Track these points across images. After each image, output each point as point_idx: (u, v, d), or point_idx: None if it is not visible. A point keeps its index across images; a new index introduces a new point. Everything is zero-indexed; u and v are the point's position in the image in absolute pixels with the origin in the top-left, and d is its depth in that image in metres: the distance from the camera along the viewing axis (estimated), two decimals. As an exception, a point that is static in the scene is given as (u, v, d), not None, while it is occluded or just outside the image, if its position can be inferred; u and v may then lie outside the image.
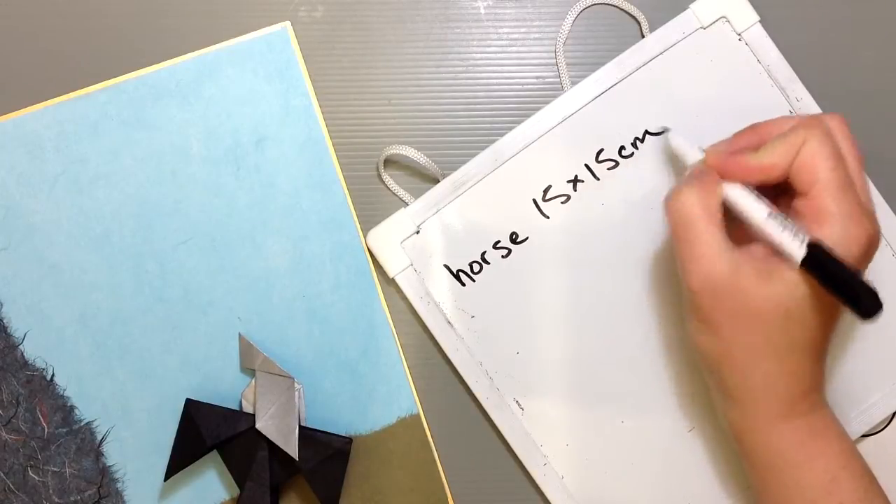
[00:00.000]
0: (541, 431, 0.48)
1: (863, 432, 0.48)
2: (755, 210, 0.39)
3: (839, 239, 0.37)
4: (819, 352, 0.39)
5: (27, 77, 0.49)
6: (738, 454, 0.42)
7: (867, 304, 0.32)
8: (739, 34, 0.48)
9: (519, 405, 0.48)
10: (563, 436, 0.48)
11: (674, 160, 0.47)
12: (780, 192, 0.41)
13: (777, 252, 0.38)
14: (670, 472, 0.47)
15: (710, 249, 0.38)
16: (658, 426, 0.47)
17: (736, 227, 0.40)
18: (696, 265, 0.38)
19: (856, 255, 0.37)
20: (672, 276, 0.47)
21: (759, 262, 0.38)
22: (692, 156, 0.43)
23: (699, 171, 0.41)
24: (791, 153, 0.39)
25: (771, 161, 0.39)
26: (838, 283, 0.34)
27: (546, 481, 0.48)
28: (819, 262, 0.36)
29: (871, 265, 0.46)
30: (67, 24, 0.50)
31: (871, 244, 0.38)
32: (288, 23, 0.50)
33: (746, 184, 0.40)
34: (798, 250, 0.36)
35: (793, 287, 0.37)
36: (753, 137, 0.42)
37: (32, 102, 0.49)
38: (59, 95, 0.49)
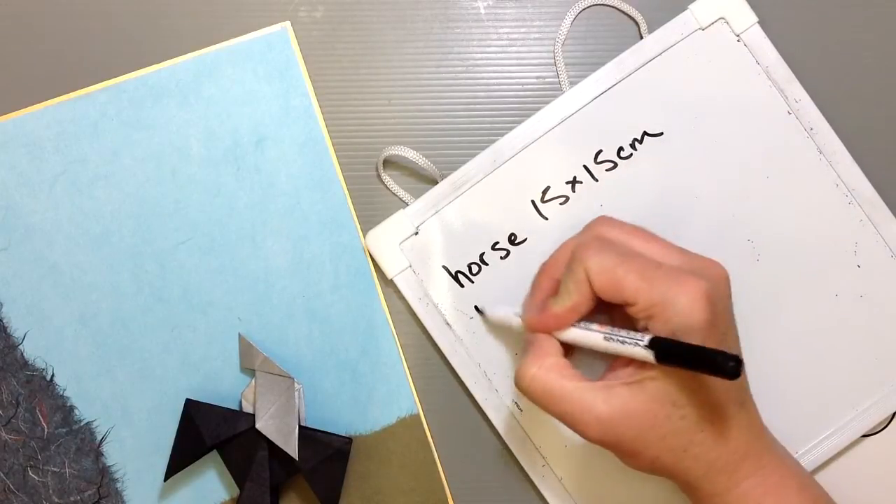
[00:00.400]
0: (539, 432, 0.48)
1: (863, 432, 0.48)
2: (593, 340, 0.39)
3: (680, 317, 0.37)
4: (732, 411, 0.39)
5: (27, 77, 0.49)
6: None
7: (726, 369, 0.32)
8: (738, 35, 0.48)
9: (518, 406, 0.48)
10: (561, 437, 0.48)
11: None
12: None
13: (631, 361, 0.39)
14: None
15: (577, 400, 0.38)
16: (657, 426, 0.48)
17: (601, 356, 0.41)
18: (579, 422, 0.38)
19: (701, 319, 0.37)
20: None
21: (627, 377, 0.38)
22: (515, 324, 0.44)
23: (528, 340, 0.42)
24: (583, 286, 0.39)
25: (572, 301, 0.40)
26: (693, 362, 0.34)
27: (545, 482, 0.48)
28: (668, 353, 0.36)
29: (868, 273, 0.47)
30: (67, 24, 0.50)
31: (710, 296, 0.37)
32: (288, 23, 0.50)
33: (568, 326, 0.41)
34: (645, 354, 0.37)
35: (664, 382, 0.37)
36: (547, 281, 0.43)
37: (32, 102, 0.49)
38: (59, 95, 0.49)
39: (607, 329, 0.39)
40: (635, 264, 0.38)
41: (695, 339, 0.36)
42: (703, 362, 0.34)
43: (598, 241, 0.40)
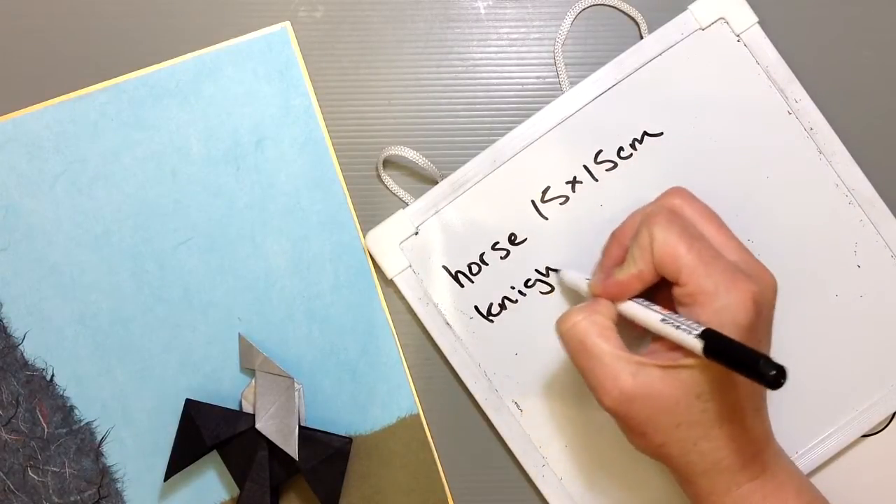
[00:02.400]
0: (539, 432, 0.48)
1: (863, 432, 0.48)
2: (650, 318, 0.40)
3: (724, 312, 0.37)
4: (747, 415, 0.39)
5: (27, 77, 0.49)
6: None
7: (768, 377, 0.32)
8: (738, 35, 0.48)
9: (518, 406, 0.48)
10: (561, 437, 0.48)
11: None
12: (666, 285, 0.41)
13: (674, 346, 0.39)
14: (669, 474, 0.47)
15: (609, 364, 0.38)
16: (657, 426, 0.48)
17: (644, 332, 0.41)
18: (601, 384, 0.39)
19: (745, 320, 0.37)
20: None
21: (662, 359, 0.38)
22: (583, 288, 0.44)
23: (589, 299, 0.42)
24: (647, 254, 0.39)
25: (636, 269, 0.40)
26: (738, 362, 0.35)
27: (545, 482, 0.48)
28: (717, 347, 0.36)
29: (868, 273, 0.47)
30: (67, 24, 0.50)
31: (758, 301, 0.37)
32: (288, 23, 0.50)
33: (631, 297, 0.41)
34: (695, 343, 0.37)
35: (697, 372, 0.37)
36: (617, 248, 0.43)
37: (32, 102, 0.49)
38: (59, 95, 0.49)
39: (666, 312, 0.39)
40: (697, 247, 0.38)
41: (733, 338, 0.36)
42: (746, 364, 0.33)
43: (669, 214, 0.40)
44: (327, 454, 0.47)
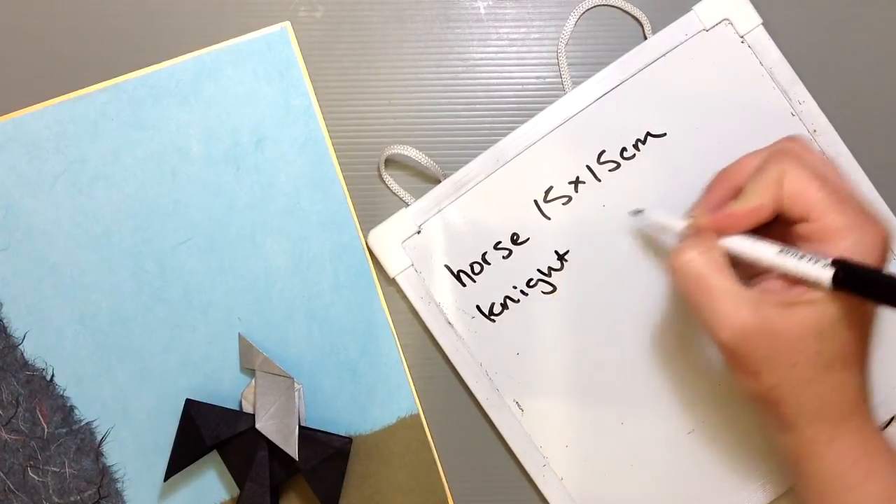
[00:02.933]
0: (540, 432, 0.48)
1: (863, 434, 0.47)
2: (765, 252, 0.39)
3: (857, 249, 0.37)
4: (859, 363, 0.39)
5: (27, 77, 0.49)
6: (794, 479, 0.42)
7: None
8: (742, 36, 0.48)
9: (519, 406, 0.48)
10: (562, 437, 0.48)
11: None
12: (763, 227, 0.41)
13: (794, 282, 0.38)
14: (670, 474, 0.47)
15: (728, 299, 0.38)
16: (658, 428, 0.48)
17: (743, 273, 0.40)
18: (718, 319, 0.38)
19: (876, 259, 0.37)
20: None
21: (779, 295, 0.38)
22: (677, 225, 0.43)
23: (694, 233, 0.41)
24: (773, 189, 0.39)
25: (758, 202, 0.39)
26: (876, 290, 0.34)
27: (545, 482, 0.48)
28: (849, 277, 0.36)
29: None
30: (67, 24, 0.50)
31: (886, 244, 0.38)
32: (288, 23, 0.50)
33: (742, 232, 0.40)
34: (824, 273, 0.36)
35: (819, 309, 0.37)
36: (726, 185, 0.42)
37: (32, 102, 0.49)
38: (59, 95, 0.49)
39: (782, 245, 0.39)
40: (831, 185, 0.38)
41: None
42: (885, 291, 0.33)
43: (799, 154, 0.39)
44: (327, 454, 0.47)
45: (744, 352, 0.38)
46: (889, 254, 0.38)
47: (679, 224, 0.43)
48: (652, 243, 0.48)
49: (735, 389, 0.42)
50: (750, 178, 0.40)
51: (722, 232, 0.40)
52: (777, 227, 0.40)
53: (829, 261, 0.36)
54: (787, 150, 0.40)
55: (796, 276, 0.38)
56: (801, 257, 0.37)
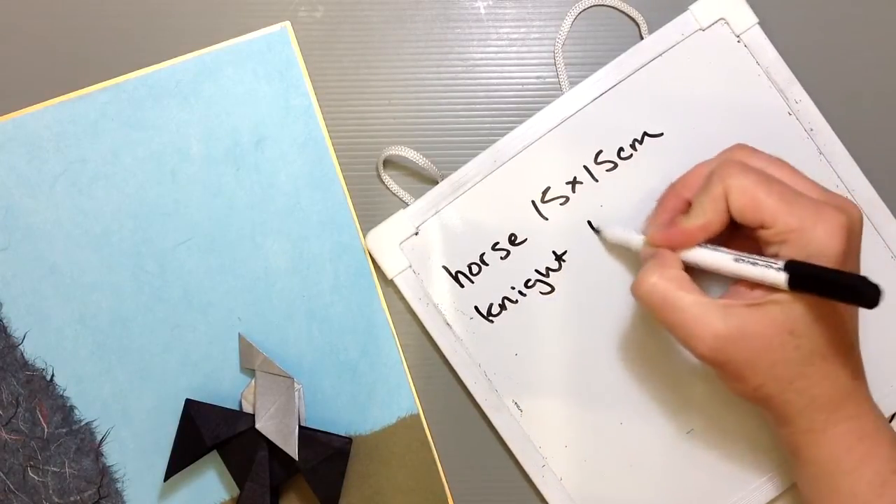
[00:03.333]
0: (539, 433, 0.48)
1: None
2: (722, 261, 0.40)
3: (815, 244, 0.37)
4: (841, 352, 0.39)
5: (27, 77, 0.49)
6: (791, 465, 0.42)
7: (865, 295, 0.32)
8: (738, 36, 0.48)
9: (518, 406, 0.48)
10: (561, 437, 0.48)
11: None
12: (734, 229, 0.41)
13: (756, 285, 0.39)
14: (669, 474, 0.48)
15: (696, 313, 0.39)
16: (657, 428, 0.48)
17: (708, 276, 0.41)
18: (692, 335, 0.39)
19: (834, 250, 0.37)
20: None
21: (747, 298, 0.39)
22: (635, 241, 0.44)
23: (651, 253, 0.42)
24: (718, 203, 0.39)
25: (705, 219, 0.40)
26: (829, 288, 0.34)
27: (545, 482, 0.48)
28: (803, 277, 0.36)
29: (868, 273, 0.46)
30: (67, 24, 0.50)
31: (848, 228, 0.38)
32: (288, 23, 0.50)
33: (695, 245, 0.41)
34: (779, 276, 0.37)
35: (787, 307, 0.38)
36: (675, 199, 0.43)
37: (32, 102, 0.49)
38: (59, 95, 0.49)
39: (737, 252, 0.39)
40: (777, 188, 0.39)
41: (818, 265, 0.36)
42: (840, 289, 0.33)
43: (741, 164, 0.40)
44: (327, 454, 0.47)
45: (723, 359, 0.39)
46: (853, 238, 0.38)
47: (636, 240, 0.44)
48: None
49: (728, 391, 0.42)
50: (696, 193, 0.41)
51: (676, 248, 0.41)
52: (746, 229, 0.40)
53: (783, 264, 0.37)
54: (731, 162, 0.40)
55: (755, 280, 0.38)
56: (756, 263, 0.38)
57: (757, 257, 0.38)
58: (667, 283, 0.40)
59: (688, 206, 0.42)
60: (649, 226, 0.44)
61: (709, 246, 0.41)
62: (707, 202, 0.40)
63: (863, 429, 0.39)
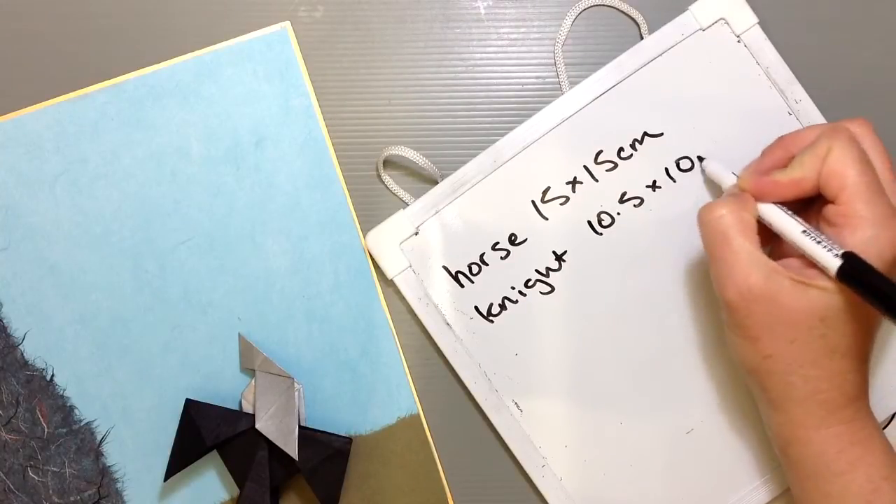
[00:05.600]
0: (539, 433, 0.48)
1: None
2: (790, 227, 0.40)
3: (872, 243, 0.37)
4: (859, 356, 0.39)
5: (27, 77, 0.49)
6: (781, 462, 0.42)
7: None
8: (738, 36, 0.48)
9: (518, 406, 0.48)
10: (561, 437, 0.48)
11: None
12: (810, 203, 0.41)
13: (810, 264, 0.39)
14: (669, 474, 0.48)
15: (744, 260, 0.39)
16: (657, 428, 0.48)
17: (777, 244, 0.41)
18: (730, 276, 0.39)
19: (890, 258, 0.37)
20: (673, 275, 0.48)
21: (795, 273, 0.38)
22: (728, 180, 0.44)
23: (735, 192, 0.42)
24: (818, 164, 0.39)
25: (800, 174, 0.40)
26: (874, 292, 0.34)
27: (545, 482, 0.48)
28: (854, 272, 0.36)
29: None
30: (67, 24, 0.50)
31: None
32: (288, 23, 0.50)
33: (782, 201, 0.41)
34: (832, 261, 0.37)
35: (828, 295, 0.37)
36: (781, 152, 0.43)
37: (32, 102, 0.49)
38: (59, 95, 0.49)
39: (808, 226, 0.39)
40: (870, 175, 0.38)
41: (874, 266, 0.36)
42: (885, 298, 0.33)
43: (852, 136, 0.40)
44: (327, 454, 0.47)
45: (745, 313, 0.39)
46: None
47: (729, 179, 0.44)
48: (650, 243, 0.48)
49: (733, 357, 0.42)
50: (802, 150, 0.41)
51: (761, 197, 0.41)
52: (815, 209, 0.40)
53: (841, 251, 0.37)
54: (845, 129, 0.40)
55: (811, 257, 0.38)
56: (818, 241, 0.38)
57: (825, 237, 0.38)
58: (734, 220, 0.39)
59: (788, 163, 0.41)
60: (745, 169, 0.43)
61: (787, 210, 0.41)
62: (808, 159, 0.40)
63: (856, 434, 0.39)
